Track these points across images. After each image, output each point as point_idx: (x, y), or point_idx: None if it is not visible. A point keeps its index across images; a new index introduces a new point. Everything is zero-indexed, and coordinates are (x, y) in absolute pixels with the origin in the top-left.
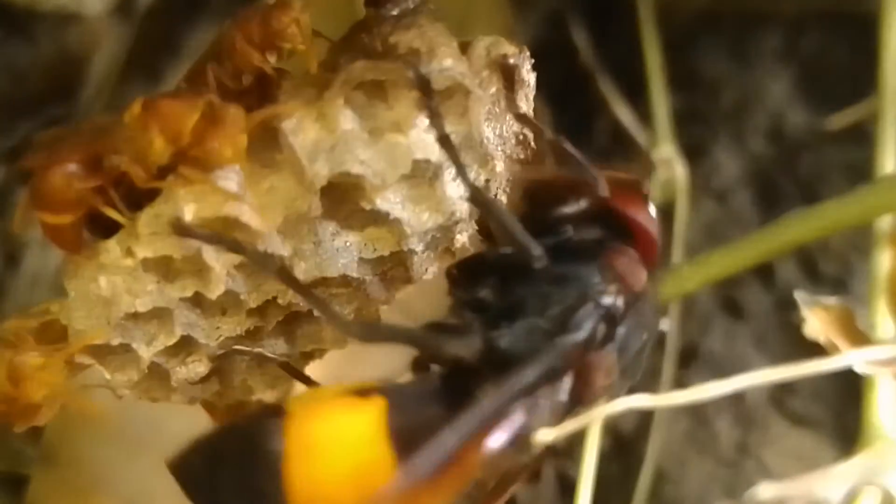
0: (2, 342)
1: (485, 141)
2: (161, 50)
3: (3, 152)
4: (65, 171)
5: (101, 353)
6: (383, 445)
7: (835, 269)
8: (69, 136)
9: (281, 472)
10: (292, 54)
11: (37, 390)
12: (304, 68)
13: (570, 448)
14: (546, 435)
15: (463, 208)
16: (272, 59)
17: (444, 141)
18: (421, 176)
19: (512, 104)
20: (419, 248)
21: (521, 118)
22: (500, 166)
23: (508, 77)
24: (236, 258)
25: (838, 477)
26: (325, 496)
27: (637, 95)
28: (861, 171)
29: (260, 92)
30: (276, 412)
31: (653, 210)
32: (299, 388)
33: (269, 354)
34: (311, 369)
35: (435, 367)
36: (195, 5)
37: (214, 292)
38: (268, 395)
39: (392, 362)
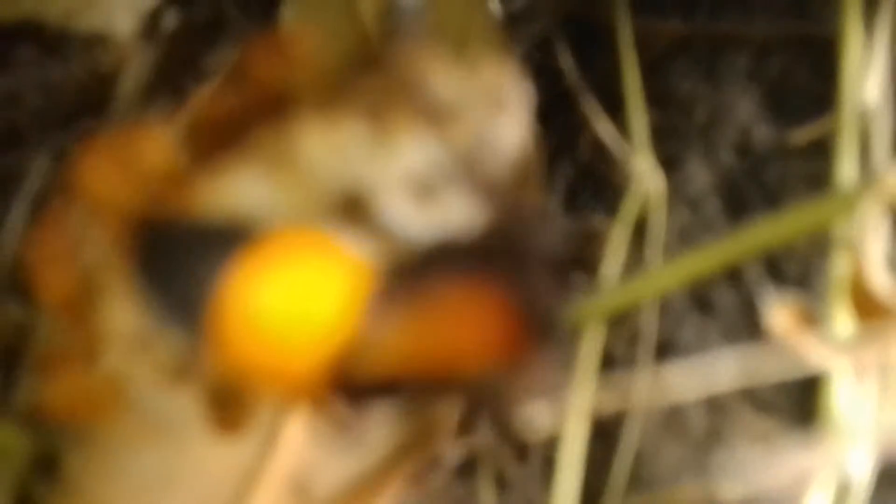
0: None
1: (480, 160)
2: (184, 69)
3: (38, 163)
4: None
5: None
6: (348, 319)
7: (797, 270)
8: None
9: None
10: (304, 74)
11: None
12: (312, 86)
13: (556, 433)
14: (536, 418)
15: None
16: (285, 79)
17: (441, 157)
18: (420, 188)
19: (504, 128)
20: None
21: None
22: (493, 185)
23: (504, 100)
24: None
25: (798, 459)
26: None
27: (617, 112)
28: (821, 181)
29: (273, 111)
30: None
31: None
32: None
33: None
34: None
35: None
36: (215, 28)
37: None
38: None
39: None
